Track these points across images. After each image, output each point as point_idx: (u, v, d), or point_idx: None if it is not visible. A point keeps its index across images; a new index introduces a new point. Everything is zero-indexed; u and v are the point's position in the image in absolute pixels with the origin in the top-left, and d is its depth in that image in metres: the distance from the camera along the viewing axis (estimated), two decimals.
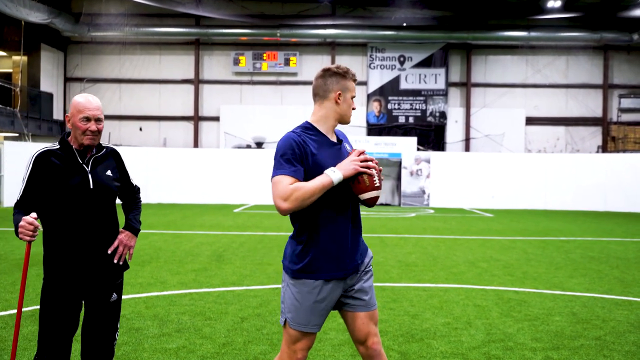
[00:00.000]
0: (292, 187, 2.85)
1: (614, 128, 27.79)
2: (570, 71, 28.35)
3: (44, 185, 3.17)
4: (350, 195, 3.07)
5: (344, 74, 3.08)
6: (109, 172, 3.34)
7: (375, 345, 3.14)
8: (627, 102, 27.97)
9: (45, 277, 3.27)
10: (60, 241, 3.20)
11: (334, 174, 2.91)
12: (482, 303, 6.71)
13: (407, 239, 12.92)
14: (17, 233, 3.07)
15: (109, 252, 3.31)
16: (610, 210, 24.04)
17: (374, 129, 28.15)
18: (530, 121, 28.30)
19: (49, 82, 27.20)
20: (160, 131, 28.68)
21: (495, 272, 8.78)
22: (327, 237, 3.00)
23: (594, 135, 28.30)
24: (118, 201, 3.50)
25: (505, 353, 4.93)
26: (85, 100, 3.25)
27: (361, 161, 2.97)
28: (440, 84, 28.01)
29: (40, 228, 3.11)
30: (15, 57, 25.93)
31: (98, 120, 3.25)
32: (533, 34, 26.59)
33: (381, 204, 25.41)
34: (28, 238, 3.04)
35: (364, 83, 27.95)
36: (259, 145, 27.77)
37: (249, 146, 27.78)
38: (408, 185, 25.18)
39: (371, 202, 3.05)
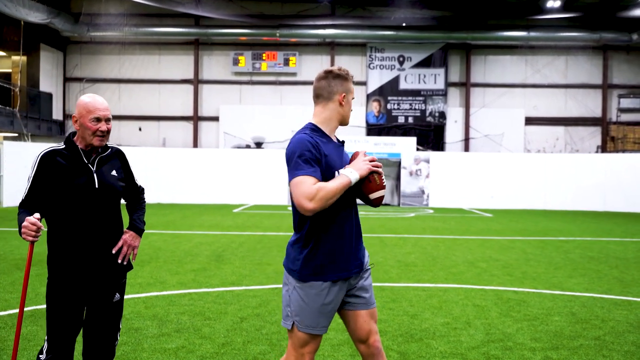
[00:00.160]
0: (316, 187, 2.84)
1: (613, 128, 27.78)
2: (570, 71, 28.34)
3: (49, 185, 3.17)
4: (352, 196, 3.10)
5: (346, 76, 3.13)
6: (114, 172, 3.34)
7: (377, 343, 3.17)
8: (626, 102, 27.97)
9: (49, 276, 3.27)
10: (64, 240, 3.20)
11: (351, 174, 2.94)
12: (482, 303, 6.72)
13: (407, 239, 12.92)
14: (20, 233, 3.07)
15: (113, 252, 3.31)
16: (610, 210, 24.04)
17: (373, 129, 28.15)
18: (530, 121, 28.30)
19: (49, 82, 27.18)
20: (159, 131, 28.67)
21: (494, 272, 8.79)
22: (333, 238, 3.02)
23: (594, 135, 28.30)
24: (122, 202, 3.50)
25: (505, 353, 4.94)
26: (94, 100, 3.25)
27: (370, 161, 3.02)
28: (440, 84, 28.00)
29: (44, 229, 3.11)
30: (15, 57, 25.90)
31: (107, 120, 3.26)
32: (532, 34, 26.58)
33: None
34: (31, 238, 3.05)
35: (364, 83, 27.93)
36: (259, 145, 27.76)
37: (248, 146, 27.77)
38: (407, 185, 25.19)
39: (378, 202, 3.11)
